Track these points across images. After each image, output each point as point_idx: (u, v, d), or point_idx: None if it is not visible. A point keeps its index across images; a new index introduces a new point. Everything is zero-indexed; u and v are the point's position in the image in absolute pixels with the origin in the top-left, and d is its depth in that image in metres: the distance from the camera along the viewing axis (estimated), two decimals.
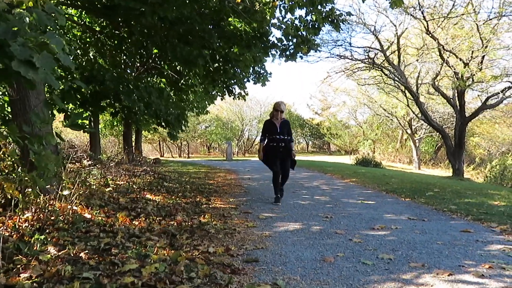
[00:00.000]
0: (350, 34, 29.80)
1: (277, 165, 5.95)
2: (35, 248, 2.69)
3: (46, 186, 3.60)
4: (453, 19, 15.40)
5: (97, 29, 10.78)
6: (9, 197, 3.24)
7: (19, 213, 3.25)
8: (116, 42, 10.24)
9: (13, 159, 3.38)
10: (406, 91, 19.26)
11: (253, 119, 41.60)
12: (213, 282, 2.46)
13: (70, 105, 9.49)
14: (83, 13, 10.60)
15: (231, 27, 8.80)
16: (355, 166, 18.34)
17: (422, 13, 15.21)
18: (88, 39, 11.22)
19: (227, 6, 7.43)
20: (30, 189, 3.33)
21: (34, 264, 2.42)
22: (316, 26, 7.91)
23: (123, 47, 10.44)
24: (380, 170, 16.13)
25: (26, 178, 3.16)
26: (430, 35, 15.66)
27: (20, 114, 4.08)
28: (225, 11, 7.72)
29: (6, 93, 8.16)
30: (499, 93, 16.37)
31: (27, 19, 2.32)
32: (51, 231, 3.19)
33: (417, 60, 18.22)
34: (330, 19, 7.69)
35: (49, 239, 2.95)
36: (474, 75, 15.62)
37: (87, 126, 3.49)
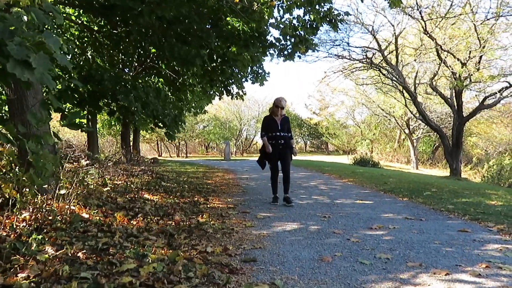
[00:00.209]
0: (348, 34, 29.74)
1: (276, 164, 5.88)
2: (32, 248, 2.68)
3: (44, 186, 3.59)
4: (451, 19, 15.43)
5: (95, 28, 10.75)
6: (7, 197, 3.23)
7: (17, 213, 3.24)
8: (114, 41, 10.22)
9: (11, 159, 3.37)
10: (404, 91, 19.29)
11: (251, 119, 41.60)
12: (211, 281, 2.46)
13: (68, 105, 9.46)
14: (81, 12, 10.57)
15: (229, 26, 8.79)
16: (353, 166, 18.37)
17: (420, 13, 15.23)
18: (86, 39, 11.19)
19: (225, 5, 7.43)
20: (27, 189, 3.33)
21: (32, 264, 2.42)
22: (314, 25, 7.92)
23: (121, 47, 10.42)
24: (378, 170, 16.16)
25: (24, 178, 3.15)
26: (428, 35, 15.69)
27: (18, 114, 4.07)
28: (223, 10, 7.72)
29: (4, 92, 8.15)
30: (496, 93, 16.42)
31: (25, 18, 2.31)
32: (49, 231, 3.18)
33: (415, 60, 18.24)
34: (328, 19, 7.71)
35: (46, 239, 2.94)
36: (471, 75, 15.66)
37: (85, 126, 3.49)
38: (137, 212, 4.49)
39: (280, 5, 7.66)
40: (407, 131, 28.21)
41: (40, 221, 3.29)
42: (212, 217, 4.60)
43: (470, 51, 15.35)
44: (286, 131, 5.85)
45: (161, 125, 11.01)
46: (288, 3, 7.54)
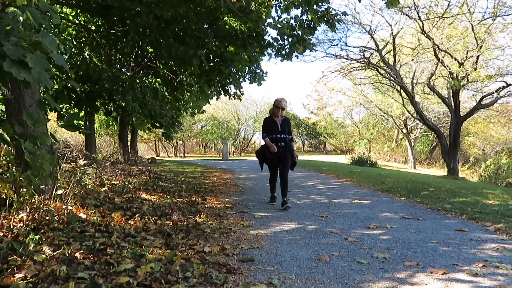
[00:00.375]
0: (346, 34, 29.99)
1: (275, 166, 5.76)
2: (29, 248, 2.67)
3: (41, 186, 3.58)
4: (448, 19, 15.48)
5: (93, 28, 10.73)
6: (4, 197, 3.22)
7: (14, 213, 3.23)
8: (111, 41, 10.19)
9: (7, 159, 3.36)
10: (402, 91, 19.34)
11: (249, 119, 41.61)
12: (208, 281, 2.46)
13: (64, 105, 9.44)
14: (78, 12, 10.54)
15: (227, 26, 8.78)
16: (350, 165, 18.41)
17: (418, 13, 15.28)
18: (83, 38, 11.16)
19: (223, 5, 7.42)
20: (25, 189, 3.32)
21: (29, 264, 2.41)
22: (312, 25, 7.92)
23: (118, 47, 10.39)
24: (375, 169, 16.19)
25: (21, 178, 3.14)
26: (425, 35, 15.73)
27: (15, 114, 4.05)
28: (221, 10, 7.71)
29: (0, 92, 8.11)
30: (493, 93, 16.51)
31: (21, 18, 2.30)
32: (46, 231, 3.17)
33: (412, 59, 18.30)
34: (325, 19, 7.71)
35: (44, 239, 2.94)
36: (469, 74, 15.73)
37: (83, 127, 3.48)
38: (135, 212, 4.48)
39: (277, 5, 7.66)
40: (404, 130, 28.28)
41: (37, 221, 3.28)
42: (210, 217, 4.60)
43: (467, 51, 15.42)
44: (286, 133, 5.67)
45: (158, 125, 10.98)
46: (286, 3, 7.55)
